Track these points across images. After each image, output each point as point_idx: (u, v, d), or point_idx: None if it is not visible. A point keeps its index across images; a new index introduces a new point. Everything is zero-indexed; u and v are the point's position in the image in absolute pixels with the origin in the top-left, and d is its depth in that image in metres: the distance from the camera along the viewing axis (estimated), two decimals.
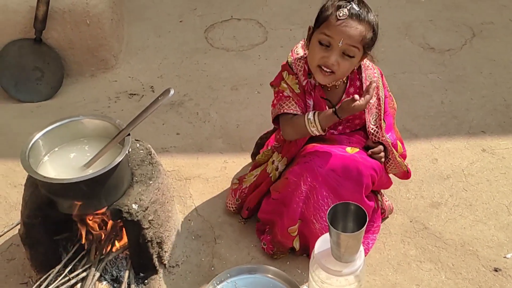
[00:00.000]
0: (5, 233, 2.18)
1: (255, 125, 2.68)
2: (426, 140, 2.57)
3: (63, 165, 1.88)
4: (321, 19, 1.86)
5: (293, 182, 1.97)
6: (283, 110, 1.96)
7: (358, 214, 1.61)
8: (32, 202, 1.86)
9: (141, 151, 2.05)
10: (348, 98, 1.86)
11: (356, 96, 1.81)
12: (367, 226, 2.07)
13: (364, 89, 1.97)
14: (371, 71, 2.03)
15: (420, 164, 2.46)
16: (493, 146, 2.52)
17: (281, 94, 2.01)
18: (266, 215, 2.13)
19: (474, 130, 2.62)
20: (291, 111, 1.96)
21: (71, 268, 1.89)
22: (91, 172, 1.77)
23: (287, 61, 2.04)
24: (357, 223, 1.61)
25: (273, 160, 2.11)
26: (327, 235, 1.68)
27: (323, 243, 1.69)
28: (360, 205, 1.64)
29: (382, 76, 2.07)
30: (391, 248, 2.12)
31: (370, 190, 2.03)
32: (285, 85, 1.99)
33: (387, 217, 2.23)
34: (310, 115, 1.89)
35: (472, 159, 2.47)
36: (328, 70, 1.87)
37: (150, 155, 2.04)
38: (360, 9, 1.83)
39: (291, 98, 1.97)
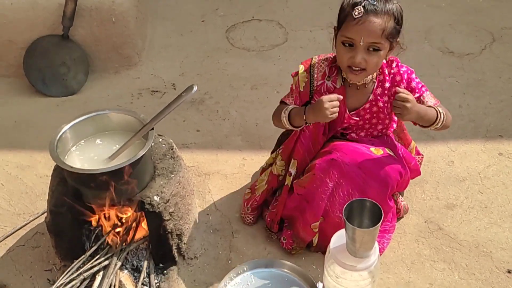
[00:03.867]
0: (31, 221, 2.27)
1: None
2: (443, 142, 2.60)
3: (88, 157, 1.95)
4: (340, 20, 1.89)
5: (319, 178, 1.99)
6: (283, 99, 2.07)
7: (374, 211, 1.65)
8: (59, 192, 1.93)
9: (163, 145, 2.12)
10: (327, 97, 1.88)
11: (329, 102, 1.85)
12: (383, 225, 2.13)
13: (389, 90, 2.01)
14: (397, 75, 2.04)
15: (436, 166, 2.49)
16: (510, 150, 2.54)
17: (293, 86, 2.09)
18: (288, 211, 2.14)
19: (491, 134, 2.64)
20: (286, 100, 2.06)
21: (94, 257, 1.97)
22: (115, 164, 1.85)
23: (311, 59, 2.08)
24: (372, 219, 1.65)
25: (278, 166, 2.16)
26: (342, 230, 1.72)
27: (338, 238, 1.73)
28: (376, 202, 1.68)
29: (410, 76, 2.06)
30: (405, 248, 2.15)
31: (393, 192, 2.07)
32: (296, 79, 2.04)
33: (402, 217, 2.27)
34: (290, 107, 1.99)
35: (488, 162, 2.49)
36: (357, 68, 1.90)
37: (172, 149, 2.11)
38: (376, 1, 1.83)
39: (294, 93, 2.06)
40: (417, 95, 2.03)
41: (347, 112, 2.05)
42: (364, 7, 1.82)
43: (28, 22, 2.87)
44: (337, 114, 1.87)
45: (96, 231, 2.04)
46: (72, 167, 1.79)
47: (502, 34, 3.32)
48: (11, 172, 2.52)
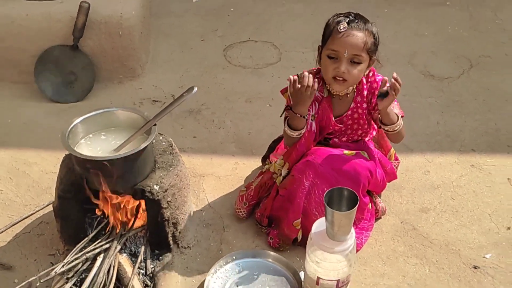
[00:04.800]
0: (37, 211, 2.44)
1: (266, 134, 2.94)
2: (421, 154, 2.82)
3: (96, 148, 2.15)
4: (326, 36, 2.15)
5: (297, 178, 2.22)
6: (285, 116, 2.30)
7: (351, 198, 1.85)
8: (67, 179, 2.13)
9: (164, 143, 2.32)
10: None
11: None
12: (361, 223, 2.33)
13: (366, 97, 2.24)
14: (374, 82, 2.28)
15: (413, 174, 2.70)
16: (482, 162, 2.76)
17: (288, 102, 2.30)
18: (274, 211, 2.34)
19: (465, 148, 2.86)
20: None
21: (96, 241, 2.15)
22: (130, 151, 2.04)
23: (297, 75, 2.31)
24: (349, 206, 1.85)
25: (278, 165, 2.37)
26: (323, 218, 1.91)
27: (319, 225, 1.92)
28: (353, 190, 1.88)
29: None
30: (382, 244, 2.35)
31: (366, 189, 2.27)
32: (286, 96, 2.28)
33: (380, 217, 2.46)
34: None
35: (461, 172, 2.70)
36: (340, 78, 2.14)
37: (171, 146, 2.31)
38: (357, 20, 2.11)
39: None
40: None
41: (333, 119, 2.27)
42: (348, 23, 2.08)
43: (41, 32, 3.10)
44: (314, 90, 2.09)
45: (99, 219, 2.22)
46: (81, 154, 1.99)
47: (479, 61, 3.58)
48: (19, 167, 2.71)
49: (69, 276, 2.07)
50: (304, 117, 2.18)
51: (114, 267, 2.08)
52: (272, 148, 2.61)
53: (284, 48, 3.75)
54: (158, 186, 2.10)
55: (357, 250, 2.30)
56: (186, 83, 3.39)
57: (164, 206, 2.12)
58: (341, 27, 2.08)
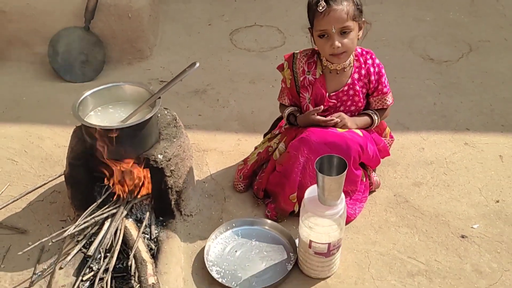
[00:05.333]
0: (49, 181, 2.57)
1: (268, 113, 3.06)
2: (416, 133, 2.93)
3: (104, 119, 2.29)
4: (311, 19, 2.27)
5: (293, 155, 2.34)
6: (279, 100, 2.50)
7: (340, 165, 1.97)
8: (77, 148, 2.27)
9: (168, 116, 2.45)
10: (310, 111, 2.31)
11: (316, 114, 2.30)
12: (355, 195, 2.45)
13: (365, 77, 2.37)
14: (371, 66, 2.40)
15: (408, 151, 2.81)
16: (475, 141, 2.86)
17: (283, 84, 2.47)
18: (271, 186, 2.47)
19: (460, 127, 2.96)
20: (283, 102, 2.47)
21: (104, 207, 2.29)
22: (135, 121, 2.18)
23: (293, 53, 2.43)
24: (339, 173, 1.97)
25: (276, 142, 2.49)
26: (315, 186, 2.04)
27: (312, 191, 2.05)
28: (342, 157, 2.00)
29: (381, 71, 2.41)
30: (374, 215, 2.46)
31: (358, 163, 2.39)
32: (283, 75, 2.40)
33: (374, 191, 2.58)
34: (287, 111, 2.44)
35: (454, 150, 2.81)
36: (338, 52, 2.25)
37: (175, 120, 2.44)
38: None
39: (285, 90, 2.45)
40: (384, 90, 2.43)
41: (328, 95, 2.39)
42: (326, 1, 2.18)
43: (54, 14, 3.25)
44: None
45: (106, 187, 2.36)
46: (89, 123, 2.13)
47: (479, 45, 3.67)
48: (33, 141, 2.86)
49: (79, 238, 2.22)
50: None
51: (120, 230, 2.22)
52: (275, 125, 2.73)
53: (288, 32, 3.87)
54: (162, 156, 2.24)
55: (351, 220, 2.42)
56: None
57: (167, 174, 2.26)
58: (320, 7, 2.17)
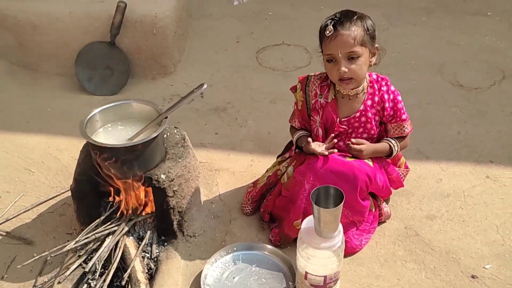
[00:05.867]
0: (61, 193, 2.61)
1: (285, 134, 2.98)
2: (436, 162, 2.82)
3: (112, 137, 2.31)
4: (320, 42, 2.24)
5: (299, 180, 2.29)
6: (290, 122, 2.48)
7: (338, 196, 1.92)
8: (84, 164, 2.30)
9: (177, 136, 2.46)
10: (310, 146, 2.25)
11: (317, 148, 2.24)
12: (362, 225, 2.37)
13: (378, 104, 2.30)
14: (386, 93, 2.32)
15: (425, 182, 2.70)
16: (498, 174, 2.73)
17: (295, 105, 2.43)
18: (277, 210, 2.43)
19: (483, 159, 2.83)
20: (294, 124, 2.45)
21: (107, 223, 2.30)
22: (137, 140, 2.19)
23: (307, 76, 2.39)
24: (336, 204, 1.91)
25: (285, 165, 2.45)
26: (312, 216, 1.98)
27: (309, 222, 2.00)
28: (338, 188, 1.94)
29: (397, 98, 2.33)
30: (382, 247, 2.38)
31: (365, 193, 2.31)
32: (295, 96, 2.37)
33: (385, 221, 2.49)
34: (295, 136, 2.42)
35: (474, 183, 2.69)
36: (345, 78, 2.20)
37: (183, 140, 2.44)
38: (343, 19, 2.14)
39: (296, 112, 2.42)
40: (403, 116, 2.35)
41: (338, 121, 2.33)
42: (333, 25, 2.14)
43: (82, 29, 3.33)
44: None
45: (111, 204, 2.38)
46: (93, 140, 2.15)
47: None
48: (52, 152, 2.93)
49: (81, 253, 2.24)
50: None
51: (120, 248, 2.23)
52: (288, 147, 2.69)
53: (316, 52, 3.80)
54: (165, 175, 2.24)
55: (356, 252, 2.35)
56: (215, 82, 3.53)
57: (169, 194, 2.25)
58: (327, 32, 2.14)
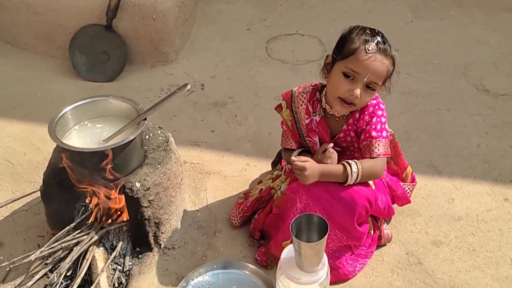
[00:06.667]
0: (38, 190, 2.44)
1: None
2: (449, 178, 2.54)
3: (87, 136, 2.11)
4: (347, 52, 1.89)
5: (290, 198, 2.06)
6: (283, 145, 2.18)
7: (322, 226, 1.68)
8: (54, 165, 2.10)
9: (160, 137, 2.24)
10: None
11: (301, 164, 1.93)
12: (358, 250, 2.13)
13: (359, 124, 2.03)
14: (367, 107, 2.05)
15: (435, 201, 2.43)
16: None
17: (282, 126, 2.19)
18: (267, 228, 2.21)
19: (503, 178, 2.54)
20: (289, 146, 2.14)
21: (78, 231, 2.11)
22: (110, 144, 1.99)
23: (291, 92, 2.13)
24: (321, 235, 1.67)
25: (279, 183, 2.22)
26: (290, 246, 1.75)
27: (289, 251, 1.76)
28: (323, 217, 1.70)
29: (376, 113, 2.03)
30: (378, 275, 2.13)
31: (364, 219, 2.06)
32: (282, 115, 2.12)
33: (385, 245, 2.24)
34: (295, 153, 2.10)
35: (490, 206, 2.41)
36: (349, 102, 1.94)
37: (167, 142, 2.22)
38: (385, 43, 1.88)
39: (287, 133, 2.15)
40: (373, 133, 2.00)
41: (330, 140, 2.09)
42: (377, 44, 1.86)
43: (77, 9, 3.12)
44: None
45: (86, 206, 2.18)
46: (62, 142, 1.95)
47: None
48: (35, 143, 2.74)
49: (47, 262, 2.06)
50: None
51: (87, 259, 2.04)
52: (281, 155, 2.46)
53: (330, 45, 3.48)
54: (139, 184, 2.02)
55: (349, 279, 2.11)
56: (218, 73, 3.29)
57: (144, 204, 2.05)
58: (370, 48, 1.85)
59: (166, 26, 3.15)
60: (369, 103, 2.02)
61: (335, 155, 1.99)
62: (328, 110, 2.03)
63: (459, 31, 3.61)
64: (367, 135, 1.99)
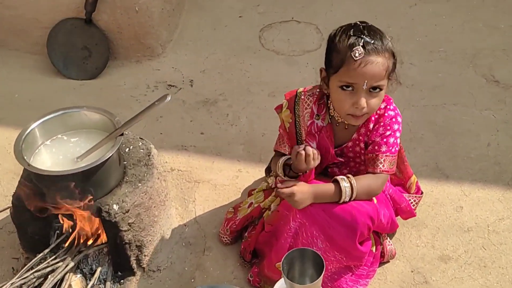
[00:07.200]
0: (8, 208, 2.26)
1: None
2: (457, 183, 2.35)
3: (59, 153, 1.92)
4: (336, 65, 1.69)
5: (284, 215, 1.89)
6: (277, 148, 1.96)
7: (316, 262, 1.50)
8: (25, 185, 1.91)
9: (142, 150, 2.05)
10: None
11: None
12: (359, 270, 1.96)
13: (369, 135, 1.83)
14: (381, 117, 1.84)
15: (442, 209, 2.25)
16: None
17: (280, 130, 1.97)
18: (260, 246, 2.04)
19: None
20: (283, 150, 1.92)
21: (53, 256, 1.93)
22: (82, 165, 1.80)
23: (296, 92, 1.93)
24: (316, 269, 1.49)
25: (270, 201, 2.04)
26: (283, 280, 1.57)
27: (281, 286, 1.59)
28: (319, 254, 1.52)
29: (391, 126, 1.84)
30: None
31: (365, 237, 1.88)
32: (280, 117, 1.90)
33: (388, 261, 2.07)
34: (281, 162, 1.84)
35: (503, 214, 2.22)
36: (360, 114, 1.73)
37: (148, 156, 2.03)
38: (373, 39, 1.66)
39: (283, 137, 1.93)
40: (382, 148, 1.82)
41: (333, 150, 1.88)
42: (363, 47, 1.63)
43: (52, 2, 2.88)
44: (316, 162, 1.71)
45: (60, 227, 2.00)
46: (28, 164, 1.76)
47: None
48: (11, 151, 2.53)
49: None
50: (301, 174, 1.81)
51: None
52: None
53: (328, 32, 3.28)
54: (117, 206, 1.84)
55: None
56: (208, 67, 3.07)
57: (123, 228, 1.87)
58: (357, 55, 1.63)
59: (151, 19, 2.92)
60: (386, 114, 1.82)
61: (315, 154, 1.72)
62: (336, 118, 1.83)
63: (467, 15, 3.36)
64: (376, 147, 1.81)
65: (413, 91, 2.85)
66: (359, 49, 1.63)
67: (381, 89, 1.72)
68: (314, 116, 1.87)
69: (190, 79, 2.99)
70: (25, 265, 1.96)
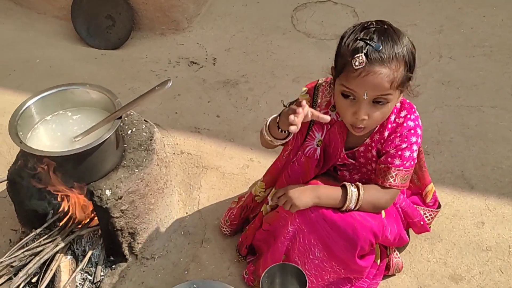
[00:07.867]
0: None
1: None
2: (481, 196, 2.17)
3: (58, 130, 1.85)
4: (339, 67, 1.53)
5: (283, 216, 1.78)
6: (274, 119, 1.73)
7: (300, 279, 1.38)
8: (23, 160, 1.86)
9: (144, 133, 1.96)
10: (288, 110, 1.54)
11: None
12: (359, 283, 1.83)
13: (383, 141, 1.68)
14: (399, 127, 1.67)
15: (461, 223, 2.08)
16: None
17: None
18: (258, 243, 1.95)
19: None
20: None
21: (46, 236, 1.90)
22: (78, 146, 1.73)
23: (316, 82, 1.78)
24: (300, 286, 1.38)
25: (258, 187, 1.91)
26: None
27: None
28: (301, 269, 1.40)
29: (409, 129, 1.67)
30: None
31: (366, 252, 1.74)
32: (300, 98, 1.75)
33: (394, 275, 1.93)
34: (271, 117, 1.72)
35: None
36: (359, 125, 1.58)
37: (150, 140, 1.94)
38: (382, 46, 1.47)
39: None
40: (396, 161, 1.65)
41: (344, 151, 1.74)
42: (366, 55, 1.46)
43: None
44: (295, 128, 1.49)
45: (58, 206, 1.96)
46: (21, 142, 1.70)
47: None
48: None
49: (13, 265, 1.87)
50: (284, 132, 1.65)
51: (51, 269, 1.83)
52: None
53: (365, 17, 3.09)
54: (110, 192, 1.77)
55: None
56: (234, 46, 2.94)
57: (115, 215, 1.80)
58: (357, 63, 1.46)
59: None
60: (405, 124, 1.65)
61: (305, 106, 1.50)
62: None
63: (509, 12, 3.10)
64: (389, 159, 1.65)
65: (448, 89, 2.64)
66: (360, 58, 1.45)
67: (387, 101, 1.54)
68: (330, 107, 1.72)
69: (214, 57, 2.88)
70: (20, 239, 1.95)
